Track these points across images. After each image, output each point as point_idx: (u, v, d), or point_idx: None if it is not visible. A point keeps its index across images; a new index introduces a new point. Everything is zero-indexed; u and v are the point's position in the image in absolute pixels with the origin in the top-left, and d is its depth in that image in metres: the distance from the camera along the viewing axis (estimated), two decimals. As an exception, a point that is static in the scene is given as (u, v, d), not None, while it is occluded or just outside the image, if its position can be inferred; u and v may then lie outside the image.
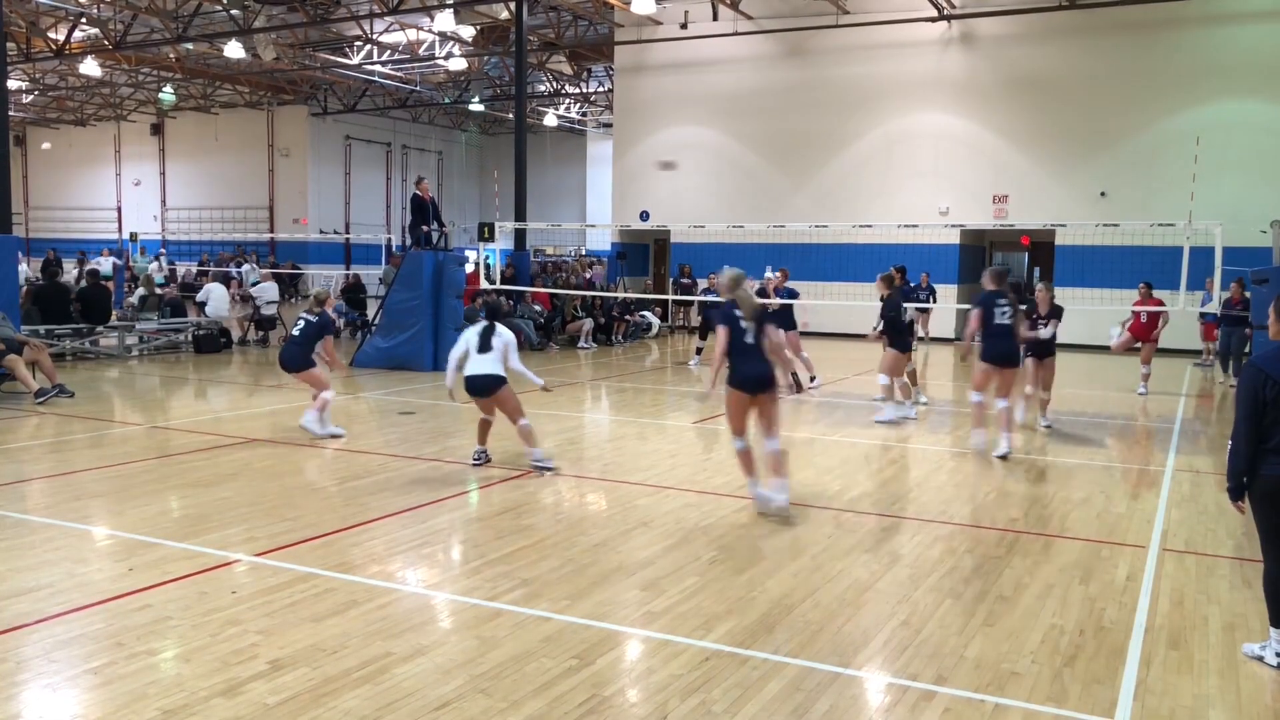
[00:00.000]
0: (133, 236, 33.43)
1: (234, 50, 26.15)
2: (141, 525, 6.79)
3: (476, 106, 37.49)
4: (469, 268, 19.24)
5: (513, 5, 22.29)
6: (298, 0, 23.98)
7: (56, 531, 6.64)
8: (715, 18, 24.67)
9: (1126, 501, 8.13)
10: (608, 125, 35.96)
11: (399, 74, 33.30)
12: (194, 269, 33.06)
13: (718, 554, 6.39)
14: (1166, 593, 5.81)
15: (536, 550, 6.39)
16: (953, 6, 22.23)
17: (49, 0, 24.61)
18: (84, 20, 26.17)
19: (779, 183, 24.90)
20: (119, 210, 41.81)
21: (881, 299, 12.55)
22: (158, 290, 18.96)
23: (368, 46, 29.84)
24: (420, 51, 29.34)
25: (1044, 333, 11.16)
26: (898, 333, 11.94)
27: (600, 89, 34.96)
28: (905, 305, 12.52)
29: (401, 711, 4.13)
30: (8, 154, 15.47)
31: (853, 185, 23.94)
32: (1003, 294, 9.82)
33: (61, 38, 26.84)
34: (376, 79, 33.52)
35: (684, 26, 25.31)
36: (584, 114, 40.23)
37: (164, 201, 40.98)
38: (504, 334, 8.68)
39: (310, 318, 10.16)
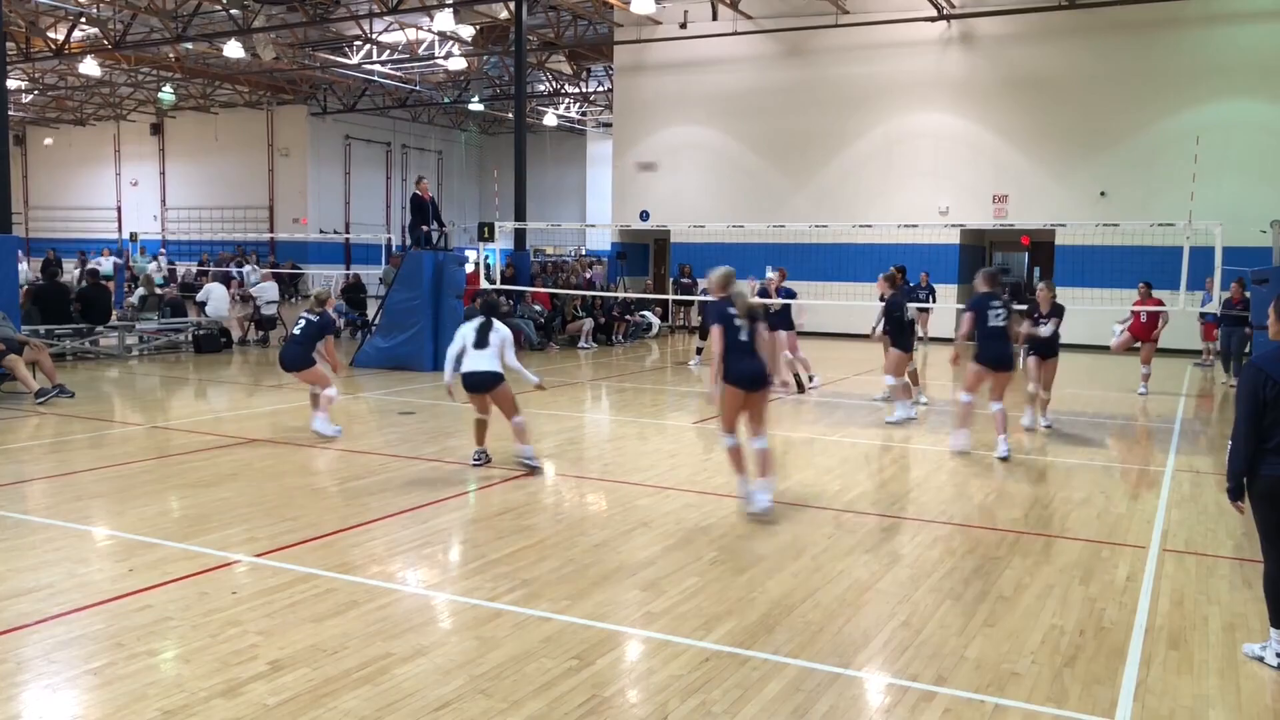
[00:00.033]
0: (133, 236, 33.43)
1: (233, 50, 26.15)
2: (142, 525, 6.79)
3: (476, 106, 37.49)
4: (469, 268, 19.23)
5: (512, 5, 22.28)
6: (297, 0, 23.98)
7: (57, 532, 6.64)
8: (715, 17, 24.67)
9: (1126, 502, 8.13)
10: (608, 125, 35.96)
11: (399, 74, 33.30)
12: (194, 269, 33.06)
13: (718, 554, 6.39)
14: (1166, 593, 5.81)
15: (536, 550, 6.39)
16: (952, 6, 22.23)
17: (49, 0, 24.60)
18: (84, 20, 26.16)
19: (779, 183, 24.90)
20: (119, 210, 41.80)
21: (882, 298, 12.54)
22: (157, 290, 18.96)
23: (367, 46, 29.84)
24: (420, 51, 29.34)
25: (1044, 330, 11.15)
26: (900, 333, 11.93)
27: (600, 89, 34.96)
28: (906, 305, 12.51)
29: (401, 712, 4.13)
30: (8, 154, 15.47)
31: (853, 185, 23.94)
32: (996, 296, 9.80)
33: (61, 37, 26.83)
34: (376, 79, 33.52)
35: (683, 26, 25.32)
36: (584, 114, 40.23)
37: (164, 201, 40.98)
38: (501, 330, 8.69)
39: (311, 317, 10.16)
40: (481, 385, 8.56)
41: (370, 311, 20.07)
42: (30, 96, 37.21)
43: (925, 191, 23.07)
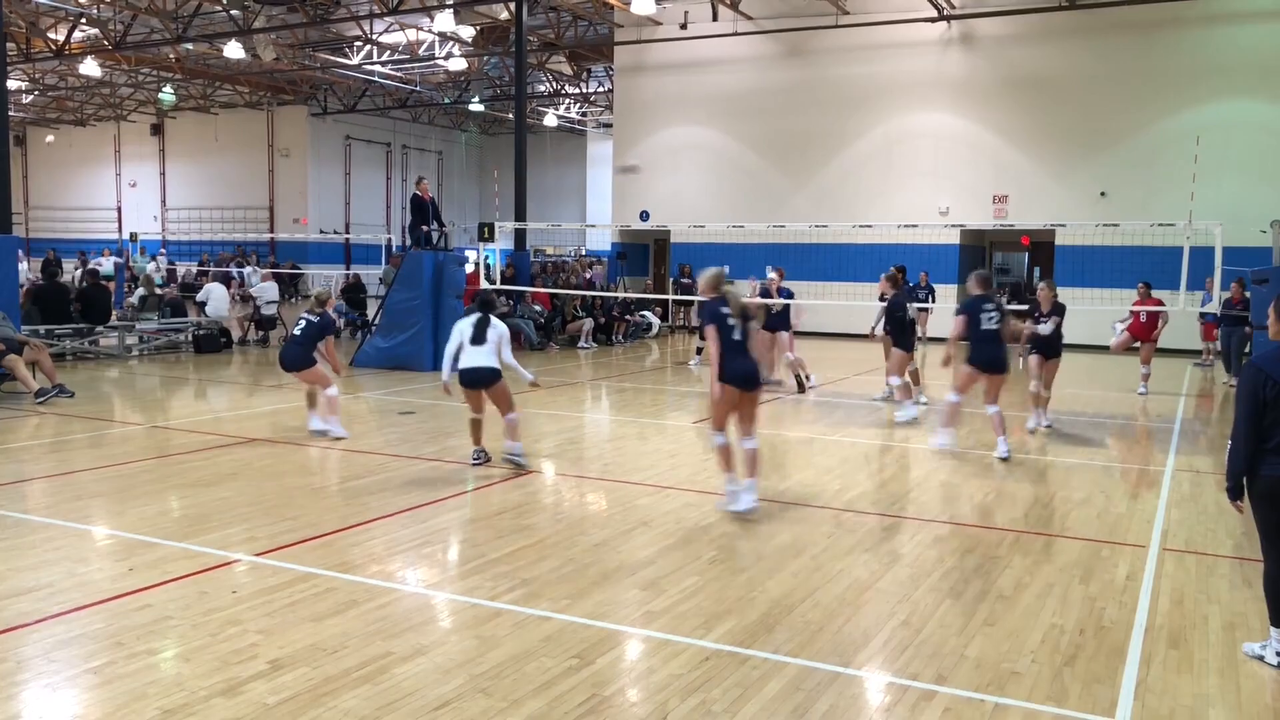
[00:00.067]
0: (133, 236, 33.42)
1: (234, 50, 26.15)
2: (141, 525, 6.79)
3: (476, 106, 37.49)
4: (469, 268, 19.23)
5: (513, 5, 22.28)
6: (297, 0, 23.99)
7: (57, 531, 6.64)
8: (715, 18, 24.67)
9: (1126, 501, 8.13)
10: (608, 125, 35.97)
11: (399, 74, 33.30)
12: (194, 269, 33.05)
13: (717, 554, 6.39)
14: (1166, 592, 5.81)
15: (536, 550, 6.39)
16: (952, 6, 22.23)
17: (49, 0, 24.61)
18: (84, 20, 26.17)
19: (779, 183, 24.91)
20: (119, 210, 41.81)
21: (882, 298, 12.54)
22: (157, 290, 18.96)
23: (367, 47, 29.85)
24: (420, 52, 29.34)
25: (1043, 328, 11.13)
26: (903, 333, 11.92)
27: (600, 89, 34.96)
28: (909, 305, 12.53)
29: (401, 711, 4.13)
30: (8, 154, 15.48)
31: (853, 185, 23.94)
32: (989, 299, 9.80)
33: (61, 38, 26.84)
34: (376, 79, 33.52)
35: (684, 27, 25.32)
36: (584, 114, 40.24)
37: (164, 202, 40.98)
38: (498, 326, 8.70)
39: (311, 318, 10.15)
40: (479, 381, 8.55)
41: (370, 311, 20.07)
42: (30, 97, 37.22)
43: (925, 191, 23.07)
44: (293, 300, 30.61)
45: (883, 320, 12.88)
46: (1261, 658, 4.80)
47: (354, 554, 6.26)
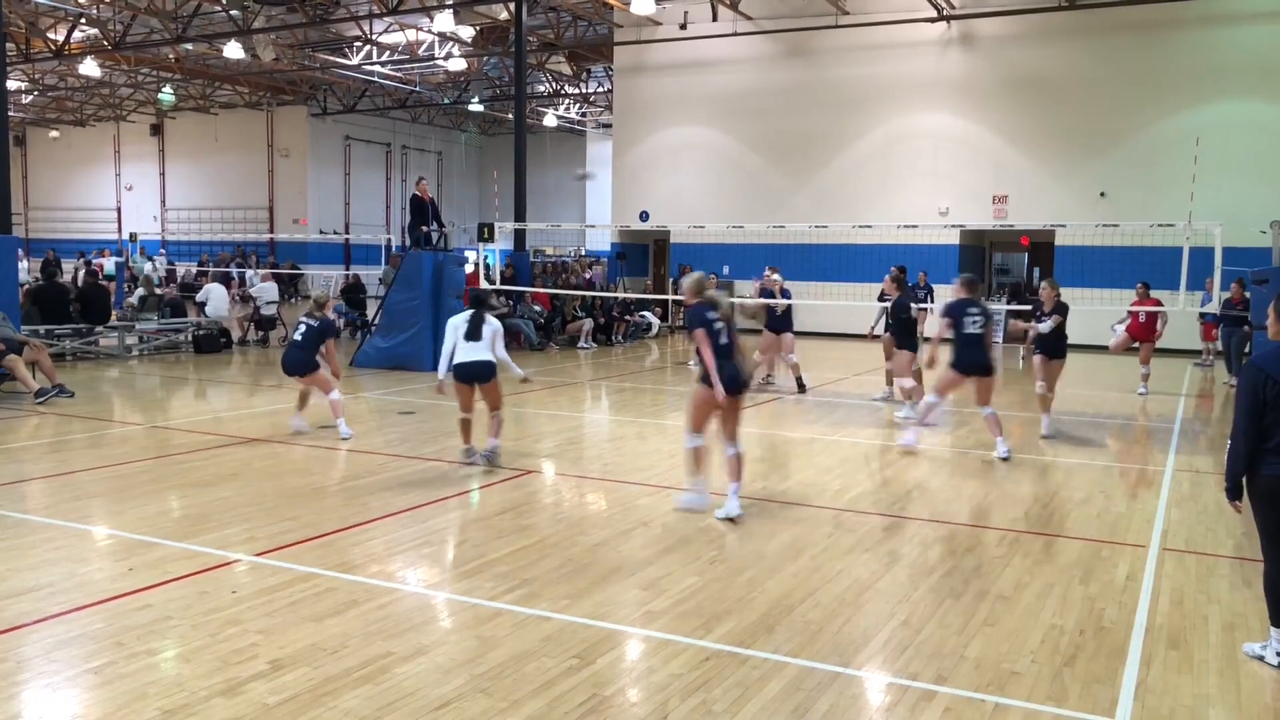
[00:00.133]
0: (132, 236, 33.42)
1: (233, 51, 26.15)
2: (141, 525, 6.79)
3: (476, 107, 37.48)
4: (469, 268, 19.23)
5: (512, 5, 22.28)
6: (297, 1, 23.99)
7: (56, 531, 6.64)
8: (715, 18, 24.68)
9: (1126, 501, 8.13)
10: (608, 125, 35.95)
11: (399, 74, 33.29)
12: (193, 269, 33.04)
13: (717, 554, 6.39)
14: (1166, 592, 5.81)
15: (536, 550, 6.39)
16: (952, 7, 22.23)
17: (49, 0, 24.61)
18: (83, 20, 26.17)
19: (779, 183, 24.91)
20: (119, 210, 41.80)
21: (882, 297, 12.52)
22: (156, 290, 18.96)
23: (367, 47, 29.84)
24: (420, 52, 29.34)
25: (1043, 326, 11.09)
26: (907, 334, 11.91)
27: (600, 89, 34.95)
28: (912, 305, 12.52)
29: (402, 711, 4.13)
30: (8, 154, 15.47)
31: (853, 185, 23.95)
32: (975, 303, 9.78)
33: (61, 38, 26.83)
34: (376, 79, 33.51)
35: (684, 27, 25.32)
36: (584, 114, 40.22)
37: (164, 202, 40.97)
38: (493, 322, 8.74)
39: (311, 322, 10.14)
40: (475, 375, 8.57)
41: (370, 312, 20.07)
42: (30, 97, 37.21)
43: (925, 192, 23.07)
44: (292, 300, 30.60)
45: (883, 320, 12.87)
46: (1261, 658, 4.80)
47: (354, 554, 6.26)
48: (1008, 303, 21.84)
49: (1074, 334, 11.37)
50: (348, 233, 37.69)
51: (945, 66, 22.98)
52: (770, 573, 6.00)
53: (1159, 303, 14.52)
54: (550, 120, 38.25)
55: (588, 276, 26.96)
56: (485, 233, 19.31)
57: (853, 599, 5.58)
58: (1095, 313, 16.04)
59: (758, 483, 8.32)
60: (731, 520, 7.10)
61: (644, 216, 25.77)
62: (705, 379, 7.23)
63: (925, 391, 12.28)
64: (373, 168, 40.61)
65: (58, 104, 39.03)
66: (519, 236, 21.52)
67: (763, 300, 14.54)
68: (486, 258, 18.90)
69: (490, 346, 8.61)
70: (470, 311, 8.72)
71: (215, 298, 19.00)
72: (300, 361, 10.05)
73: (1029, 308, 11.67)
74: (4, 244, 14.58)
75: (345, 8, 25.78)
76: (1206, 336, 18.39)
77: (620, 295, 23.23)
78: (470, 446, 8.90)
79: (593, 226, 35.69)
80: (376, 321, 16.96)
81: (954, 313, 9.71)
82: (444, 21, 24.15)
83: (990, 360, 9.76)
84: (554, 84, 35.28)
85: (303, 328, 10.15)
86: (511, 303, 19.51)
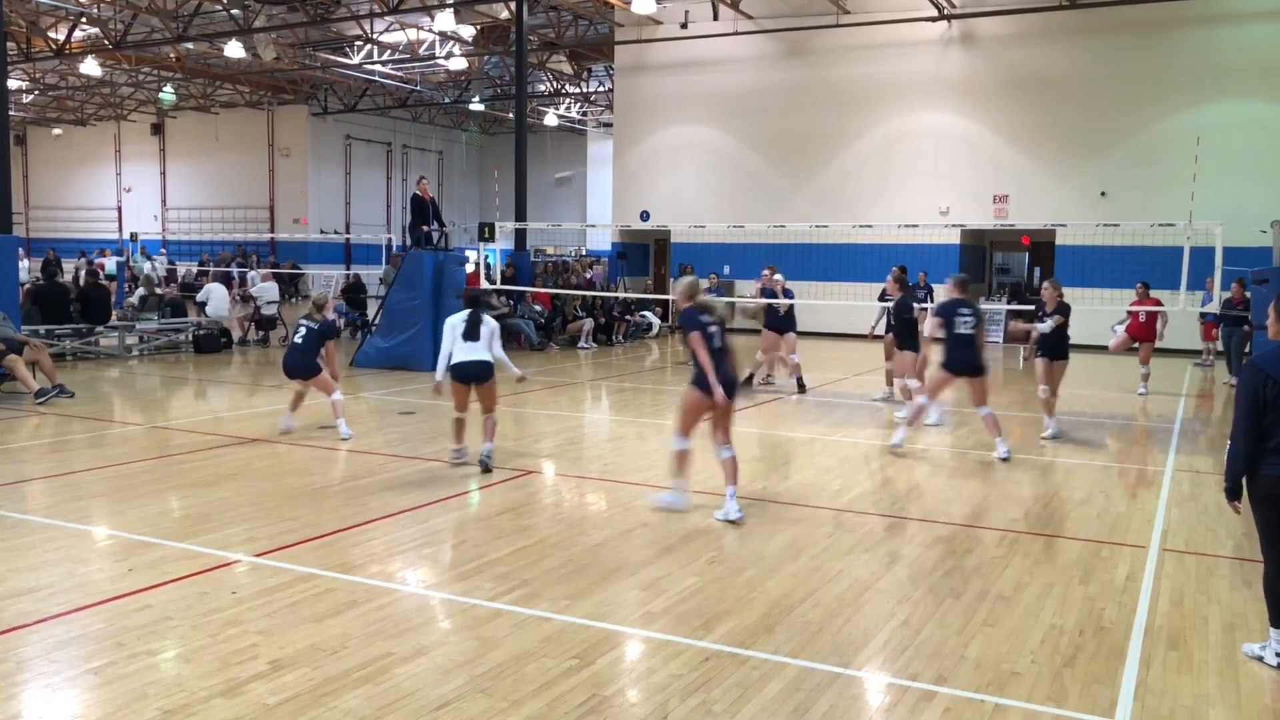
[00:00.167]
0: (133, 236, 33.39)
1: (234, 50, 26.15)
2: (141, 525, 6.79)
3: (476, 106, 37.47)
4: (469, 268, 19.23)
5: (513, 5, 22.28)
6: (298, 0, 23.99)
7: (57, 531, 6.64)
8: (715, 17, 24.68)
9: (1126, 501, 8.13)
10: (608, 125, 35.96)
11: (399, 74, 33.30)
12: (194, 269, 33.04)
13: (717, 554, 6.39)
14: (1166, 593, 5.81)
15: (536, 550, 6.39)
16: (953, 6, 22.23)
17: (49, 0, 24.61)
18: (84, 20, 26.17)
19: (779, 183, 24.91)
20: (119, 210, 41.81)
21: (882, 297, 12.51)
22: (157, 290, 18.96)
23: (368, 46, 29.84)
24: (420, 51, 29.34)
25: (1044, 326, 11.06)
26: (910, 334, 11.91)
27: (600, 89, 34.96)
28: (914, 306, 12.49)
29: (401, 711, 4.13)
30: (8, 154, 15.48)
31: (853, 185, 23.94)
32: (965, 303, 9.77)
33: (61, 37, 26.83)
34: (377, 79, 33.52)
35: (684, 26, 25.32)
36: (584, 114, 40.22)
37: (164, 201, 40.97)
38: (490, 321, 8.74)
39: (311, 324, 10.12)
40: (473, 375, 8.56)
41: (370, 311, 20.07)
42: (31, 96, 37.22)
43: (925, 191, 23.07)
44: (293, 300, 30.59)
45: (884, 320, 12.86)
46: (1261, 658, 4.80)
47: (354, 554, 6.26)
48: (1008, 302, 21.86)
49: (1074, 334, 11.34)
50: (348, 232, 37.69)
51: (946, 66, 22.97)
52: (770, 573, 6.00)
53: (1159, 303, 14.52)
54: (551, 119, 38.25)
55: (588, 276, 26.96)
56: (486, 232, 19.31)
57: (852, 599, 5.58)
58: (1095, 313, 16.04)
59: (757, 483, 8.33)
60: (731, 522, 7.10)
61: (644, 216, 25.77)
62: (699, 383, 7.22)
63: (907, 396, 12.29)
64: (373, 167, 40.61)
65: (58, 103, 39.04)
66: (519, 236, 21.52)
67: (764, 300, 14.54)
68: (487, 257, 18.90)
69: (488, 346, 8.61)
70: (467, 311, 8.71)
71: (216, 298, 19.00)
72: (301, 364, 10.04)
73: (1030, 308, 11.64)
74: (4, 243, 14.58)
75: (346, 7, 25.79)
76: (1207, 336, 18.38)
77: (621, 295, 23.22)
78: (461, 447, 8.87)
79: (593, 226, 35.69)
80: (377, 321, 16.96)
81: (945, 313, 9.71)
82: (445, 21, 24.16)
83: (981, 361, 9.73)
84: (555, 83, 35.27)
85: (303, 330, 10.13)
86: (512, 302, 19.51)
